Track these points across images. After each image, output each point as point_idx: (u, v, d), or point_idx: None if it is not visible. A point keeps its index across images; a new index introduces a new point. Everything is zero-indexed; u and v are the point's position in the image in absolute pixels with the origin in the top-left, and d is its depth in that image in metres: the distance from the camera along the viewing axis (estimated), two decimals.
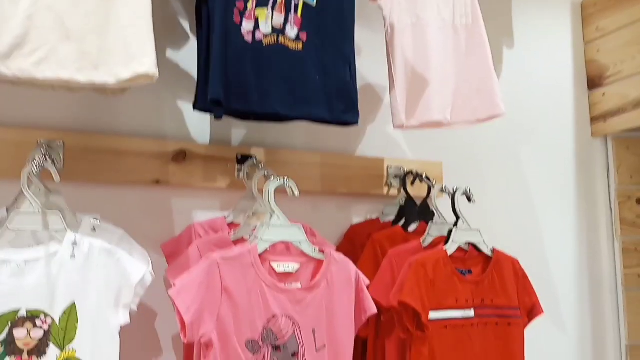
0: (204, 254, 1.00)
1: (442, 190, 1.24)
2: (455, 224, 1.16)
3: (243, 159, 1.22)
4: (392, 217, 1.34)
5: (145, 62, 0.82)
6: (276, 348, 0.95)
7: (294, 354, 0.96)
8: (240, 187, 1.20)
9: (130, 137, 1.15)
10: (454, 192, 1.17)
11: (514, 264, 1.18)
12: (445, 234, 1.18)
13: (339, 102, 1.04)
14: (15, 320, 0.85)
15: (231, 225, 1.15)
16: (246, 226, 1.10)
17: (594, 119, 1.71)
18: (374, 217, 1.39)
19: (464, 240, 1.16)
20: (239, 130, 1.28)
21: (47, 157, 0.94)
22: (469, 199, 1.19)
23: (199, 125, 1.24)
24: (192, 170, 1.18)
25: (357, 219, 1.39)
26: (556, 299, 1.58)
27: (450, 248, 1.13)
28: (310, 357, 0.97)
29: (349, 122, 1.06)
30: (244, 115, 1.11)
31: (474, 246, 1.18)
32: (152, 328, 1.15)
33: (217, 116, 1.00)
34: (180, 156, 1.17)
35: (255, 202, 1.13)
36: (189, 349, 1.05)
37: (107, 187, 1.13)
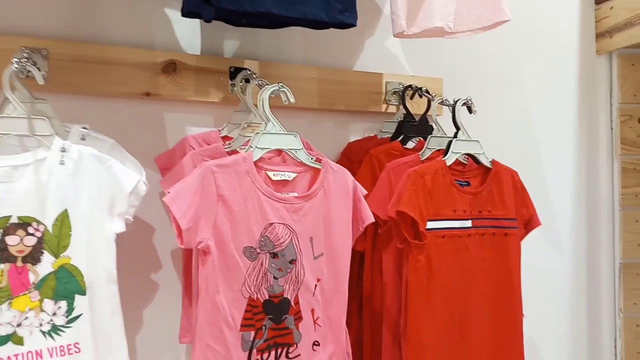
0: (197, 165, 0.97)
1: (442, 102, 1.20)
2: (455, 136, 1.14)
3: (236, 72, 1.17)
4: (390, 135, 1.31)
5: None
6: (274, 255, 0.95)
7: (292, 262, 0.96)
8: (234, 102, 1.16)
9: (118, 47, 1.09)
10: (455, 102, 1.13)
11: (513, 175, 1.17)
12: (445, 147, 1.16)
13: (336, 2, 0.98)
14: (7, 226, 0.84)
15: (225, 138, 1.12)
16: (241, 137, 1.07)
17: (599, 35, 1.65)
18: (372, 135, 1.36)
19: (463, 151, 1.14)
20: (231, 42, 1.23)
21: (29, 61, 0.90)
22: (469, 110, 1.16)
23: (189, 35, 1.18)
24: (183, 82, 1.14)
25: (354, 137, 1.36)
26: (553, 216, 1.58)
27: (450, 159, 1.11)
28: (308, 265, 0.97)
29: (346, 23, 1.00)
30: (234, 19, 1.05)
31: (473, 158, 1.16)
32: (150, 243, 1.15)
33: (207, 19, 0.94)
34: (170, 67, 1.12)
35: (249, 115, 1.10)
36: (187, 258, 1.05)
37: (95, 98, 1.09)
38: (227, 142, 1.09)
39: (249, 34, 1.22)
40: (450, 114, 1.18)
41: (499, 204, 1.13)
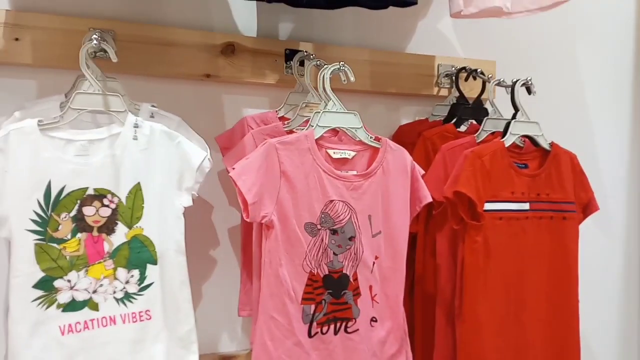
0: (258, 143, 1.00)
1: (499, 84, 1.19)
2: (514, 117, 1.12)
3: (291, 54, 1.19)
4: (441, 118, 1.30)
5: None
6: (334, 232, 0.96)
7: (351, 239, 0.97)
8: (289, 83, 1.18)
9: (179, 28, 1.12)
10: (514, 83, 1.12)
11: (572, 159, 1.15)
12: (501, 129, 1.15)
13: None
14: (84, 198, 0.87)
15: (282, 119, 1.14)
16: (299, 117, 1.09)
17: None
18: (423, 118, 1.36)
19: (522, 133, 1.12)
20: (286, 25, 1.24)
21: (101, 40, 0.93)
22: (529, 91, 1.14)
23: (246, 18, 1.20)
24: (240, 64, 1.16)
25: (405, 120, 1.36)
26: (605, 201, 1.54)
27: (508, 140, 1.10)
28: (366, 242, 0.98)
29: (407, 1, 1.00)
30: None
31: (532, 140, 1.15)
32: (209, 221, 1.18)
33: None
34: (229, 49, 1.15)
35: (305, 96, 1.12)
36: (246, 234, 1.07)
37: (158, 79, 1.12)
38: (284, 122, 1.10)
39: (302, 16, 1.24)
40: (503, 97, 1.17)
41: (557, 187, 1.12)
